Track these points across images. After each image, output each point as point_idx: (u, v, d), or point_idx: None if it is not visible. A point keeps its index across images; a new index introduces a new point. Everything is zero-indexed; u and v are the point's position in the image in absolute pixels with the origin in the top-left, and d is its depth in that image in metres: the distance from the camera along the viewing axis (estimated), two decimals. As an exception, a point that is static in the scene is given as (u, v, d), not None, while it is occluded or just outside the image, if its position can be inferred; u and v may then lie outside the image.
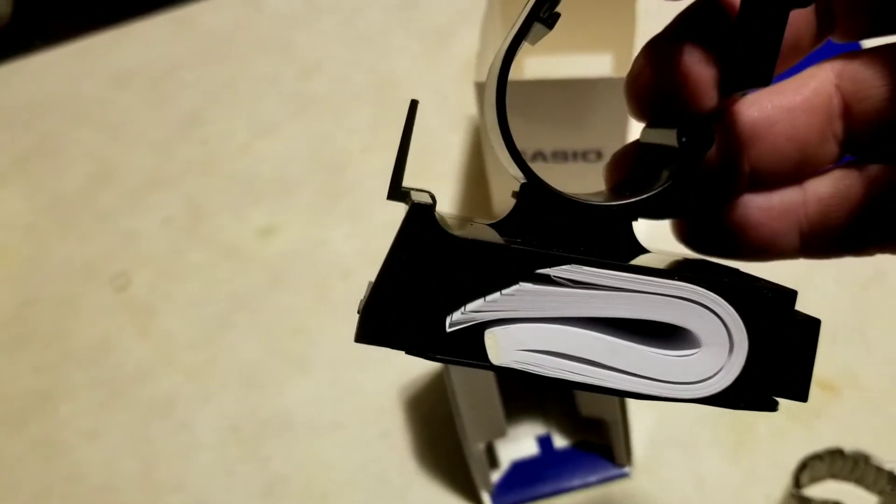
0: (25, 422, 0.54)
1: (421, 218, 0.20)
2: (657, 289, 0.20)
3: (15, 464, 0.52)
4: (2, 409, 0.55)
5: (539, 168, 0.50)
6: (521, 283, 0.20)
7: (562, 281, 0.20)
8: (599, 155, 0.50)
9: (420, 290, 0.20)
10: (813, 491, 0.41)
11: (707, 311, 0.20)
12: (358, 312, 0.20)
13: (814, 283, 0.51)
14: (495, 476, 0.46)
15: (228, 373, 0.54)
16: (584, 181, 0.44)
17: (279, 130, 0.69)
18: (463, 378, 0.41)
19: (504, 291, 0.20)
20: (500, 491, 0.45)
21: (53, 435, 0.53)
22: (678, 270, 0.20)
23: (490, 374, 0.41)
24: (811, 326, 0.21)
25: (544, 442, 0.47)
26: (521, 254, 0.20)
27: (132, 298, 0.59)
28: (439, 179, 0.62)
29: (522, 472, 0.46)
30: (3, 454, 0.53)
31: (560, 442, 0.47)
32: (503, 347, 0.20)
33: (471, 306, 0.20)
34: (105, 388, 0.54)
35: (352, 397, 0.51)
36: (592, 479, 0.45)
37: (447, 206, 0.60)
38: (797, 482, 0.40)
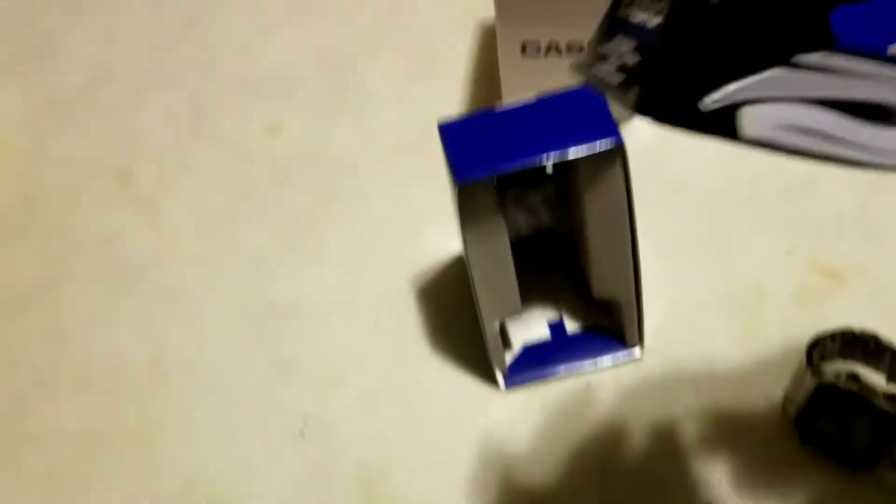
0: (27, 307, 0.54)
1: None
2: None
3: (16, 347, 0.52)
4: (2, 296, 0.54)
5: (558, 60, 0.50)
6: (776, 69, 0.22)
7: (813, 66, 0.22)
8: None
9: (688, 65, 0.22)
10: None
11: None
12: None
13: (821, 178, 0.52)
14: (508, 358, 0.46)
15: (237, 261, 0.53)
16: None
17: (282, 30, 0.68)
18: (480, 255, 0.41)
19: (760, 76, 0.22)
20: (512, 371, 0.46)
21: (58, 321, 0.53)
22: None
23: (506, 250, 0.42)
24: None
25: (556, 327, 0.47)
26: (777, 40, 0.22)
27: (137, 193, 0.58)
28: (448, 83, 0.61)
29: (534, 355, 0.46)
30: (4, 338, 0.52)
31: (572, 326, 0.47)
32: (753, 124, 0.22)
33: (729, 87, 0.22)
34: (111, 277, 0.54)
35: (364, 287, 0.51)
36: (604, 360, 0.46)
37: (456, 108, 0.60)
38: (809, 359, 0.41)
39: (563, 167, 0.41)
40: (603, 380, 0.46)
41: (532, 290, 0.47)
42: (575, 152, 0.37)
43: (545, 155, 0.37)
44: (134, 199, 0.58)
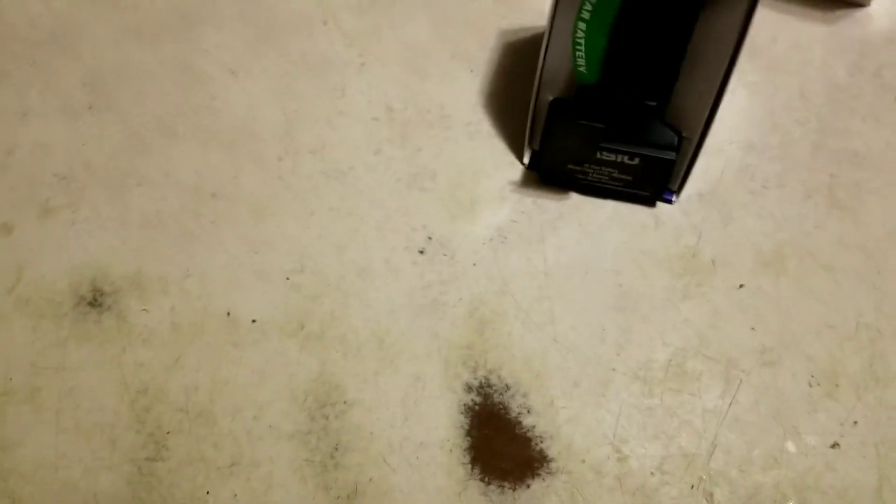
0: (162, 40, 0.50)
1: None
2: None
3: (143, 77, 0.49)
4: (138, 20, 0.51)
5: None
6: None
7: None
8: None
9: None
10: None
11: None
12: None
13: None
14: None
15: (390, 49, 0.49)
16: None
17: None
18: (561, 31, 0.39)
19: None
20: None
21: (191, 60, 0.49)
22: None
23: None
24: None
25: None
26: None
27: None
28: None
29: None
30: (132, 65, 0.49)
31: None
32: None
33: None
34: (255, 29, 0.50)
35: (517, 112, 0.47)
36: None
37: None
38: None
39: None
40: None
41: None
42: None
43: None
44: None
